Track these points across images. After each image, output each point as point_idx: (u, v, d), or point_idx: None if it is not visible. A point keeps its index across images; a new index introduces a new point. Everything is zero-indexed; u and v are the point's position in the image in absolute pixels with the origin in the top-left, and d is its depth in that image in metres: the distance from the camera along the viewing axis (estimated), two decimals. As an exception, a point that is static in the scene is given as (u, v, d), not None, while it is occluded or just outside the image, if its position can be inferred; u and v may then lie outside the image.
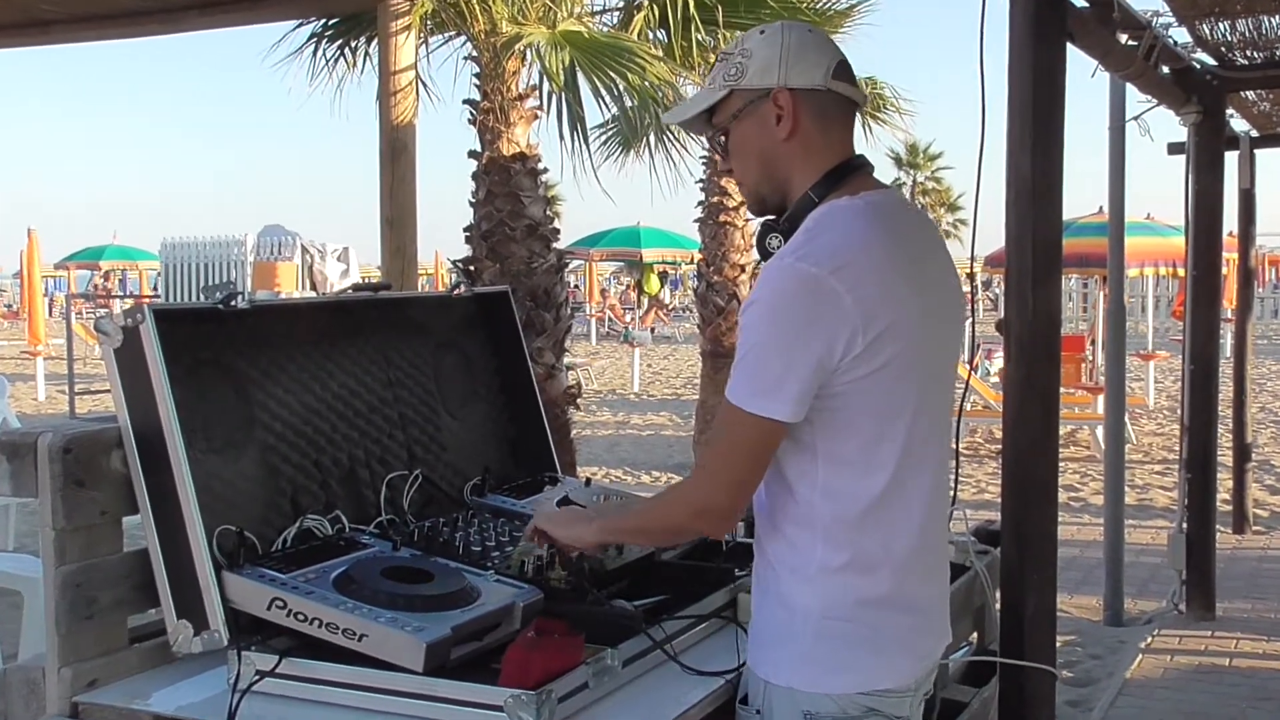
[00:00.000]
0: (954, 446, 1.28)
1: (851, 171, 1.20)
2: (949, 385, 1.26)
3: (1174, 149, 4.35)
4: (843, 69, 1.20)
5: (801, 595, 1.15)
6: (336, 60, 4.32)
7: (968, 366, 4.60)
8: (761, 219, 1.24)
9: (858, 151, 1.23)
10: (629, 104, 4.24)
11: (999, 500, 2.14)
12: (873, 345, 1.10)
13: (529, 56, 4.12)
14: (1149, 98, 3.69)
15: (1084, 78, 3.14)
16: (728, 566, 1.50)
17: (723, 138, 1.23)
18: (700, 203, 7.09)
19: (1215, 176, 4.02)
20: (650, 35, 4.60)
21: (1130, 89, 3.67)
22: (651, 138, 5.19)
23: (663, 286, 21.66)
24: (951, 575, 1.33)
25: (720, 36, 4.62)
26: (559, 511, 1.40)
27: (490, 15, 3.98)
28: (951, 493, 1.35)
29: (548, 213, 4.35)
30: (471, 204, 4.35)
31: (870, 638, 1.16)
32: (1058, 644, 2.26)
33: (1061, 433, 4.81)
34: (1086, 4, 2.58)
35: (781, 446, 1.14)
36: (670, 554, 1.56)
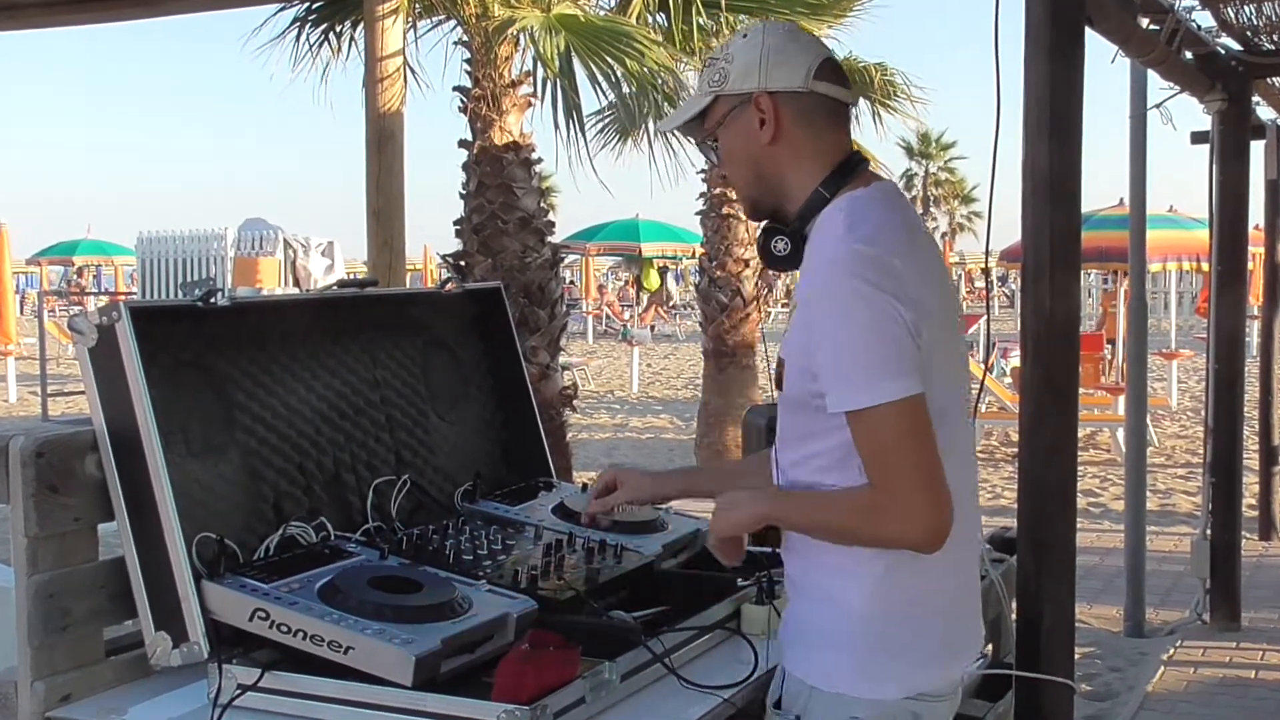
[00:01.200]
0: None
1: (855, 166, 1.21)
2: (965, 381, 1.27)
3: (1197, 138, 4.25)
4: (827, 69, 1.20)
5: (852, 596, 1.14)
6: (321, 45, 4.31)
7: (982, 366, 4.52)
8: (767, 224, 1.23)
9: (857, 146, 1.24)
10: (627, 91, 4.20)
11: (1015, 506, 2.08)
12: (919, 328, 1.11)
13: (522, 41, 4.10)
14: (1171, 84, 3.62)
15: (1103, 63, 3.08)
16: (729, 577, 1.46)
17: (714, 144, 1.24)
18: (702, 194, 7.04)
19: (1241, 167, 3.94)
20: (649, 19, 4.57)
21: (1152, 75, 3.60)
22: (650, 126, 5.13)
23: (663, 284, 21.60)
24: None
25: (722, 20, 4.58)
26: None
27: (482, -2, 3.97)
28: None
29: (542, 205, 4.31)
30: (462, 196, 4.32)
31: (921, 639, 1.15)
32: (1076, 656, 2.21)
33: (1080, 435, 4.71)
34: (1106, -12, 2.51)
35: (832, 437, 1.12)
36: (670, 564, 1.52)
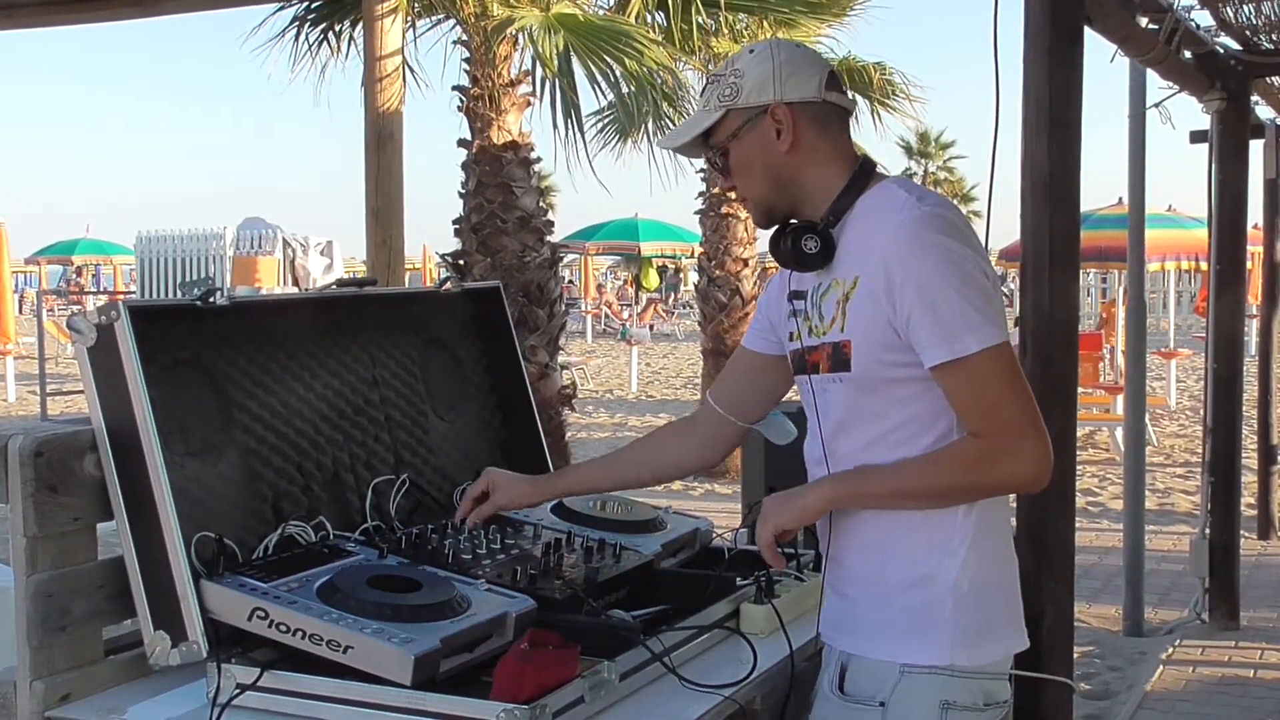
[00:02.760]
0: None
1: (871, 166, 1.27)
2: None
3: (1196, 138, 4.25)
4: (833, 79, 1.27)
5: (949, 572, 1.18)
6: (320, 44, 4.31)
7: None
8: (788, 223, 1.26)
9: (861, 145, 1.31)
10: (626, 90, 4.20)
11: (1014, 505, 2.08)
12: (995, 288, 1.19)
13: (521, 40, 4.10)
14: (1170, 84, 3.61)
15: (1103, 63, 3.08)
16: (729, 575, 1.46)
17: (721, 158, 1.28)
18: (701, 193, 7.03)
19: (1240, 166, 3.94)
20: (648, 18, 4.57)
21: (1151, 75, 3.59)
22: (649, 125, 5.12)
23: (662, 281, 21.54)
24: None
25: (721, 19, 4.58)
26: (774, 496, 1.27)
27: (481, -3, 3.97)
28: None
29: (541, 204, 4.31)
30: (461, 195, 4.32)
31: (1004, 607, 1.22)
32: (1075, 655, 2.20)
33: (1079, 434, 4.71)
34: (1105, -13, 2.51)
35: (911, 406, 1.17)
36: (669, 563, 1.52)
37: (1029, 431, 1.15)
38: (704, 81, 1.34)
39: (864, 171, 1.25)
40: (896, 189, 1.22)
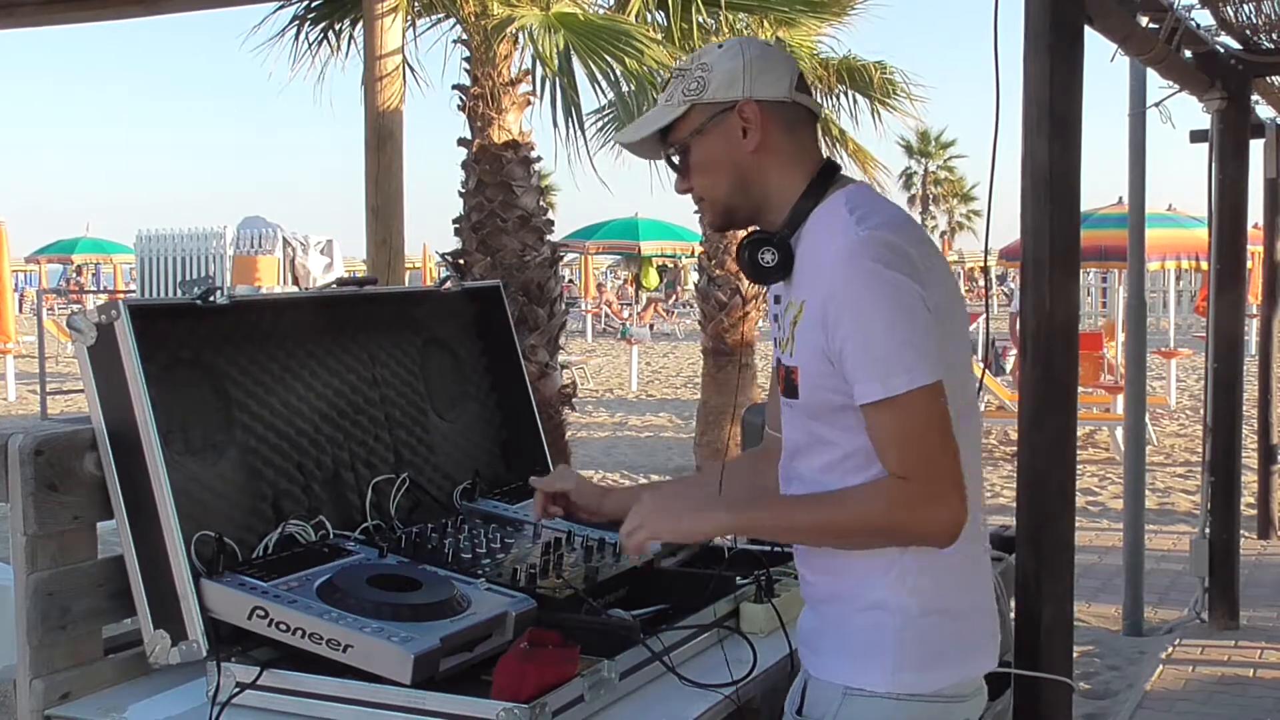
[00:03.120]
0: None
1: (834, 170, 1.22)
2: (972, 368, 1.28)
3: (1197, 137, 4.25)
4: (802, 81, 1.22)
5: (896, 597, 1.14)
6: (320, 43, 4.31)
7: (980, 364, 4.52)
8: (747, 232, 1.20)
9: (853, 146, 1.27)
10: (626, 89, 4.19)
11: (1014, 505, 2.08)
12: (938, 315, 1.11)
13: (521, 40, 4.10)
14: (1171, 83, 3.60)
15: (1103, 62, 3.07)
16: (729, 575, 1.46)
17: (681, 155, 1.21)
18: (702, 193, 7.00)
19: (1240, 165, 3.93)
20: (649, 17, 4.56)
21: (1151, 74, 3.59)
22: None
23: (662, 280, 21.47)
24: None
25: (721, 18, 4.58)
26: (659, 503, 1.20)
27: (481, -4, 3.97)
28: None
29: (541, 203, 4.31)
30: (461, 194, 4.31)
31: (954, 635, 1.16)
32: (1075, 655, 2.20)
33: (1079, 434, 4.71)
34: (1106, -14, 2.51)
35: (863, 435, 1.10)
36: (669, 562, 1.52)
37: (948, 483, 1.08)
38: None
39: (824, 177, 1.18)
40: (841, 207, 1.15)
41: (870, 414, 1.08)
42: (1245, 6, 3.35)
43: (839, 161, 1.26)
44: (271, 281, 9.05)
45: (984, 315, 8.57)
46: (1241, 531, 4.10)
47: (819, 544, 1.16)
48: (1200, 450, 4.08)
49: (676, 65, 1.28)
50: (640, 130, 1.23)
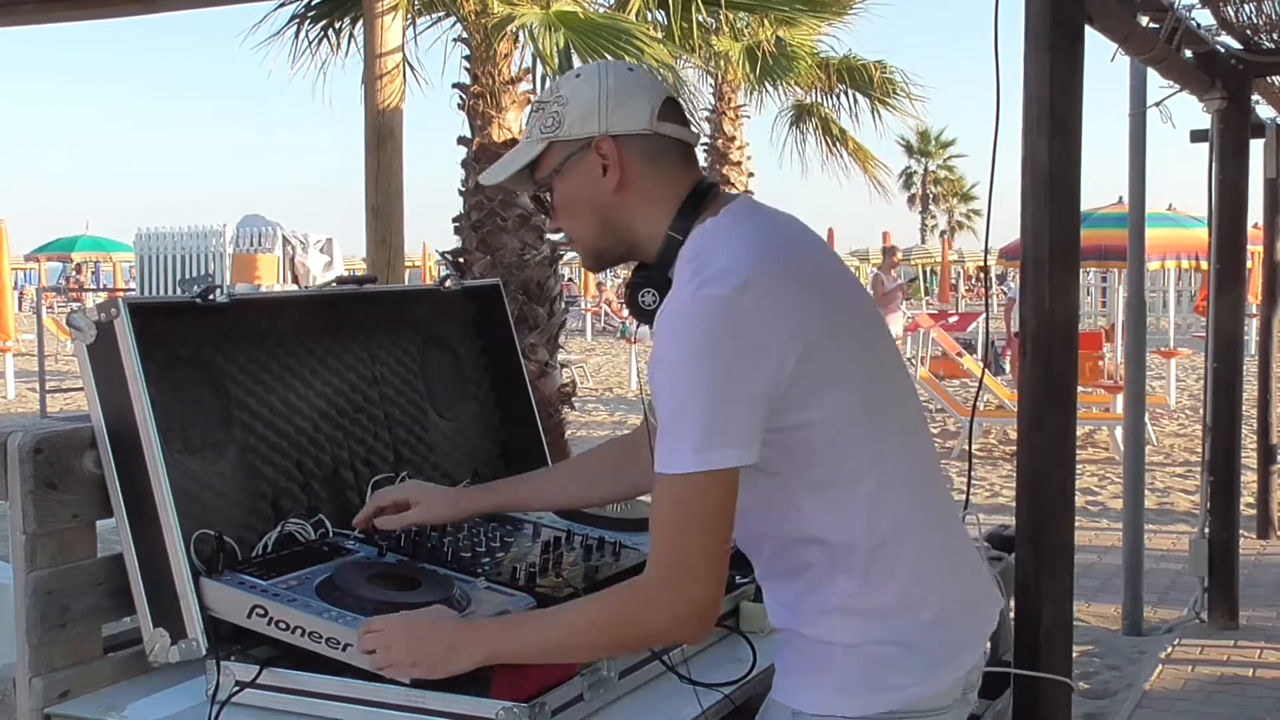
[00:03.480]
0: (966, 448, 1.24)
1: (703, 196, 1.12)
2: (899, 373, 1.18)
3: (1197, 137, 4.25)
4: (669, 108, 1.13)
5: (835, 631, 1.09)
6: (320, 42, 4.32)
7: (980, 364, 4.51)
8: (632, 270, 1.15)
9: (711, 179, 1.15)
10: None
11: (1013, 504, 2.08)
12: (809, 354, 1.02)
13: (521, 38, 4.10)
14: (1171, 83, 3.60)
15: (1103, 61, 3.07)
16: (729, 574, 1.45)
17: (548, 194, 1.15)
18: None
19: (1240, 165, 3.93)
20: (649, 16, 4.57)
21: (1151, 74, 3.59)
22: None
23: None
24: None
25: (722, 17, 4.58)
26: (412, 622, 1.10)
27: (481, -6, 3.98)
28: (960, 493, 1.31)
29: (541, 202, 4.30)
30: (461, 193, 4.32)
31: (901, 655, 1.10)
32: (1074, 654, 2.20)
33: (1079, 433, 4.71)
34: (1106, -14, 2.51)
35: (753, 491, 1.04)
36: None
37: (690, 576, 1.00)
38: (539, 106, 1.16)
39: (692, 204, 1.09)
40: (685, 259, 1.06)
41: (654, 486, 1.01)
42: (1246, 6, 3.35)
43: (715, 180, 1.18)
44: (271, 280, 9.05)
45: (984, 315, 8.55)
46: (1241, 531, 4.10)
47: (584, 658, 1.10)
48: (1200, 450, 4.08)
49: (538, 98, 1.18)
50: (504, 170, 1.16)
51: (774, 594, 1.16)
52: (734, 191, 1.16)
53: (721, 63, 7.04)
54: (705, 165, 6.90)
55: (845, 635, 1.09)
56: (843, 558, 1.08)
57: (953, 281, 24.30)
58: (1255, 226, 5.09)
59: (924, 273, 27.34)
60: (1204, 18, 3.44)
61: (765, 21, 5.63)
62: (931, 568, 1.12)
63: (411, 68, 4.10)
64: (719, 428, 0.99)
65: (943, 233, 33.92)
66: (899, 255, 13.98)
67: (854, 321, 1.11)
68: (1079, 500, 5.10)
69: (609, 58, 3.91)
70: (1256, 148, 4.29)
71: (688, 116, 1.18)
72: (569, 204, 1.14)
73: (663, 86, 1.18)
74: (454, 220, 4.33)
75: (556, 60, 3.89)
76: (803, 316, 1.03)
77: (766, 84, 7.83)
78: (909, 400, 1.17)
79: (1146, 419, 5.35)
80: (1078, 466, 2.67)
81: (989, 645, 1.24)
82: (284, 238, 9.64)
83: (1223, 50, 3.72)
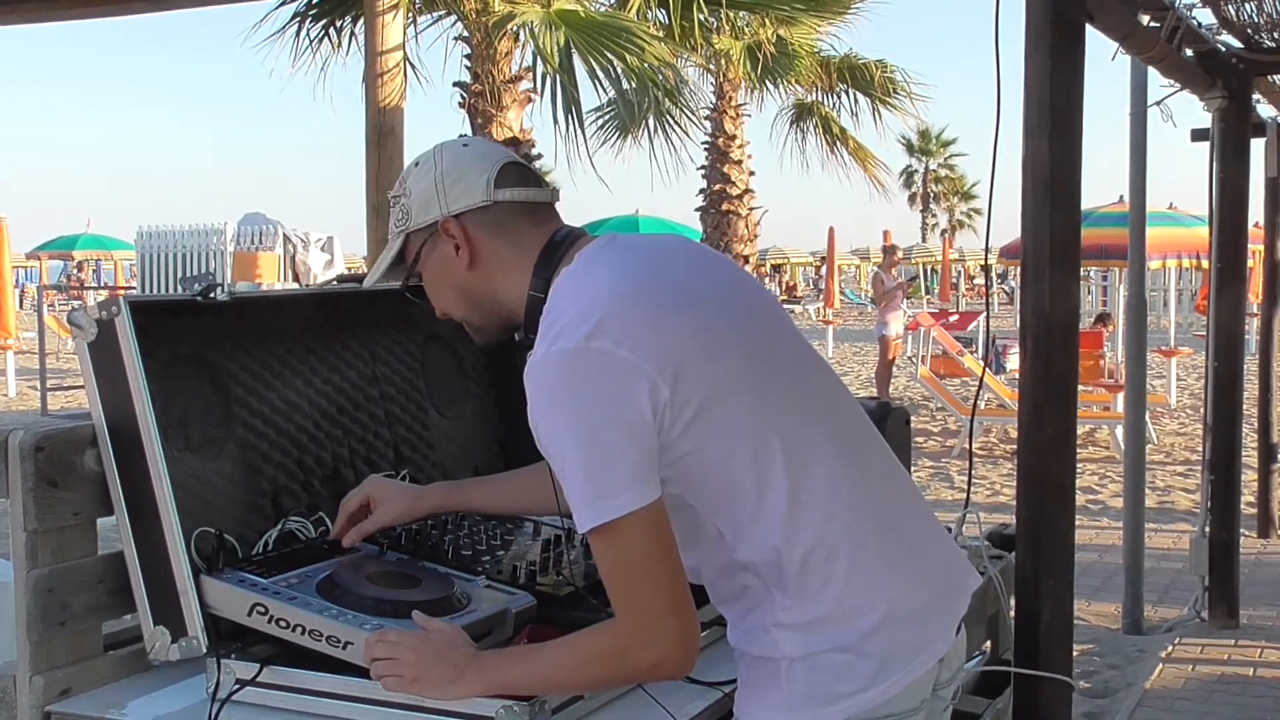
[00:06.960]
0: (967, 446, 1.23)
1: (556, 249, 1.12)
2: (813, 375, 1.14)
3: (1198, 136, 4.24)
4: (510, 173, 1.13)
5: (778, 646, 1.08)
6: (321, 40, 4.33)
7: (981, 363, 4.51)
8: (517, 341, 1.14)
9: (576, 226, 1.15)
10: (627, 86, 4.20)
11: (1014, 503, 2.08)
12: (684, 378, 1.01)
13: (522, 36, 4.11)
14: (1172, 82, 3.60)
15: (1104, 60, 3.07)
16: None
17: (421, 282, 1.17)
18: (701, 190, 7.05)
19: (1241, 164, 3.93)
20: (649, 14, 4.57)
21: (1152, 73, 3.59)
22: (650, 122, 5.14)
23: None
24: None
25: (722, 15, 4.59)
26: (425, 640, 1.11)
27: (482, -7, 4.00)
28: (961, 492, 1.28)
29: (540, 200, 4.30)
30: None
31: (853, 661, 1.08)
32: (1074, 653, 2.20)
33: (1079, 432, 4.71)
34: (1106, -16, 2.51)
35: (679, 523, 1.04)
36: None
37: (668, 619, 1.00)
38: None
39: (542, 268, 1.09)
40: (542, 321, 1.05)
41: (591, 544, 1.02)
42: (1246, 5, 3.35)
43: (571, 229, 1.13)
44: (272, 278, 9.05)
45: (984, 314, 8.55)
46: (1241, 530, 4.10)
47: (572, 692, 1.10)
48: (1200, 449, 4.08)
49: (391, 193, 1.18)
50: (378, 271, 1.18)
51: (726, 616, 1.15)
52: (594, 235, 1.15)
53: (722, 61, 7.04)
54: (706, 164, 6.87)
55: (788, 649, 1.07)
56: (773, 575, 1.07)
57: (953, 280, 24.31)
58: (1256, 225, 5.08)
59: (925, 271, 27.35)
60: (1205, 16, 3.44)
61: (766, 20, 5.63)
62: (872, 569, 1.09)
63: (412, 66, 4.12)
64: (603, 476, 0.98)
65: (943, 232, 33.92)
66: (900, 254, 13.97)
67: (741, 334, 1.08)
68: (1079, 499, 5.10)
69: (610, 56, 3.91)
70: (1257, 147, 4.29)
71: (535, 171, 1.17)
72: (436, 288, 1.16)
73: (500, 152, 1.16)
74: (454, 219, 4.32)
75: (557, 59, 3.89)
76: (670, 343, 1.01)
77: (767, 83, 7.84)
78: (827, 401, 1.13)
79: (1147, 418, 5.35)
80: (1078, 465, 2.68)
81: (964, 630, 1.20)
82: (285, 236, 9.65)
83: (1223, 49, 3.71)
